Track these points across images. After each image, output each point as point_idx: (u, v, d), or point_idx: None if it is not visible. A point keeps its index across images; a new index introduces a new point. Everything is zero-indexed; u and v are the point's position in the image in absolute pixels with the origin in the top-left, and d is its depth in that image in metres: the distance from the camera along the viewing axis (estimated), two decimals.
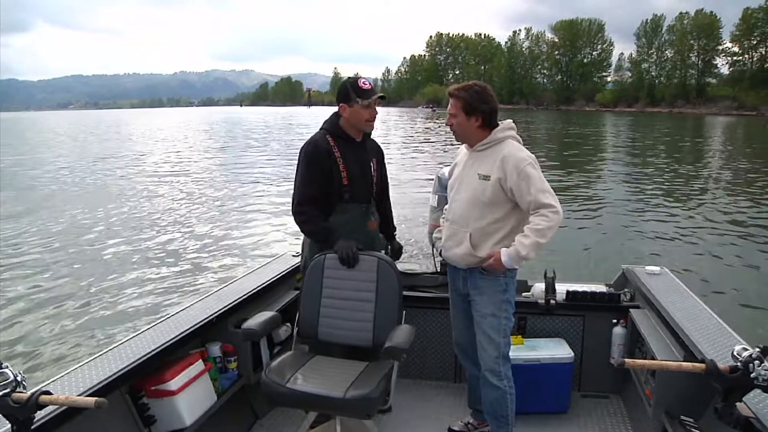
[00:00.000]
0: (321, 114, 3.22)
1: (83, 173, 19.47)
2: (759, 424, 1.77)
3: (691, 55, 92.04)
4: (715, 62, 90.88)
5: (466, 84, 2.57)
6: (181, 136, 41.82)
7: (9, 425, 1.62)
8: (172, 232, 10.37)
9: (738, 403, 1.78)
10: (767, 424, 1.76)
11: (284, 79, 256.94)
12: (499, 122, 2.58)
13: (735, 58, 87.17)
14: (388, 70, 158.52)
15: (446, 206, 2.78)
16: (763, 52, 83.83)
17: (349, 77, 2.96)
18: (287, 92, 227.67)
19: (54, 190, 15.66)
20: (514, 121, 2.64)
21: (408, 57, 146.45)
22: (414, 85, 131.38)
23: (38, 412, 1.64)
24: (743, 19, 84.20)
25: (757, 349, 1.72)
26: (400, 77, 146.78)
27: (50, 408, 1.79)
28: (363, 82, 2.79)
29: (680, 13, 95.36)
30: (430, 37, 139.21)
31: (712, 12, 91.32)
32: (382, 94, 2.79)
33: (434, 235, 2.94)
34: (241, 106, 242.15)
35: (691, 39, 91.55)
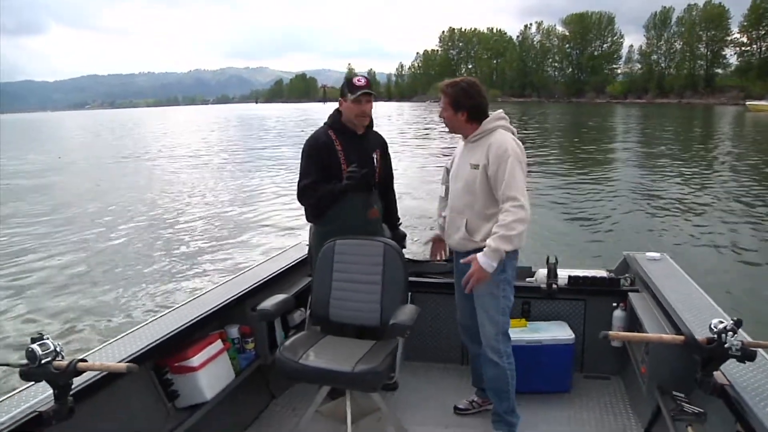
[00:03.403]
0: None
1: (115, 167, 20.42)
2: (733, 391, 1.89)
3: (699, 46, 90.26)
4: (723, 53, 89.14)
5: (454, 80, 2.67)
6: (200, 132, 42.65)
7: (51, 390, 1.80)
8: (196, 222, 10.84)
9: (715, 372, 1.90)
10: (740, 392, 1.87)
11: (298, 76, 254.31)
12: (490, 113, 2.67)
13: (743, 48, 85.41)
14: (401, 66, 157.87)
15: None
16: None
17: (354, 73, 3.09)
18: (302, 89, 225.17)
19: (94, 182, 16.48)
20: (510, 113, 2.72)
21: (421, 52, 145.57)
22: (427, 80, 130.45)
23: (75, 379, 1.81)
24: (752, 10, 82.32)
25: (731, 322, 1.84)
26: (413, 72, 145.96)
27: (85, 377, 1.96)
28: (357, 79, 2.91)
29: (689, 4, 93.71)
30: (443, 32, 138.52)
31: (720, 3, 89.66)
32: (367, 90, 2.86)
33: (438, 222, 3.08)
34: (256, 103, 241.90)
35: (699, 30, 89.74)
